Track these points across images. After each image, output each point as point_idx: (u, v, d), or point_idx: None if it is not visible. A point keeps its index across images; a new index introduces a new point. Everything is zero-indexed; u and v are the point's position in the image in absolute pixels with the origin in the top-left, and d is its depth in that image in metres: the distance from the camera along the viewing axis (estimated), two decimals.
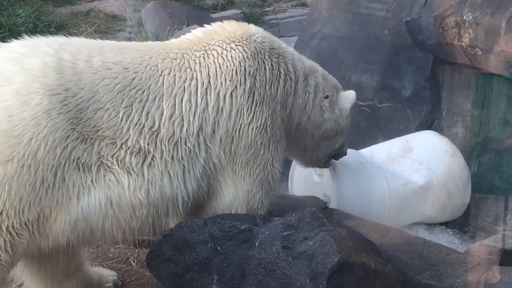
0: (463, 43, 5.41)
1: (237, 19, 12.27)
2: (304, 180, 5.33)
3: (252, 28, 3.79)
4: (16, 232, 3.04)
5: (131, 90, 3.26)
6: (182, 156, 3.36)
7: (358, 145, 5.86)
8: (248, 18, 12.28)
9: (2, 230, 3.01)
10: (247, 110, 3.53)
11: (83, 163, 3.12)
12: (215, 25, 3.77)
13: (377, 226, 4.22)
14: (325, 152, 4.31)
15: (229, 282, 3.29)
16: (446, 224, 5.63)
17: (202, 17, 10.15)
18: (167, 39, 7.55)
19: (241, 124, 3.52)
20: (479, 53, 5.30)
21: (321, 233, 3.16)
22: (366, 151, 5.54)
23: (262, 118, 3.59)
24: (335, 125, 4.14)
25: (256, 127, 3.57)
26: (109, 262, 4.34)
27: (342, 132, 4.28)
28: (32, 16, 10.91)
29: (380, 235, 4.05)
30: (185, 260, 3.40)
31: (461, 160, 5.38)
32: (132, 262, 4.32)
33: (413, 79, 6.13)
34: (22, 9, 11.25)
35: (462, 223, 5.59)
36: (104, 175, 3.18)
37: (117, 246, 4.48)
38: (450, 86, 5.88)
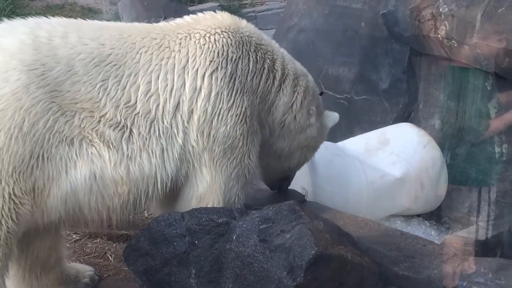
0: (439, 35, 5.43)
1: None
2: None
3: (243, 22, 3.78)
4: (19, 201, 3.12)
5: (107, 65, 3.29)
6: (159, 135, 3.37)
7: (335, 138, 5.87)
8: (226, 11, 12.24)
9: (5, 198, 3.09)
10: (227, 95, 3.51)
11: (66, 136, 3.18)
12: (207, 13, 3.78)
13: (355, 218, 4.24)
14: (291, 166, 4.21)
15: (206, 276, 3.29)
16: (424, 216, 5.68)
17: (179, 10, 10.11)
18: None
19: (220, 109, 3.50)
20: (455, 45, 5.33)
21: (298, 226, 3.17)
22: (343, 144, 5.57)
23: (242, 106, 3.57)
24: (318, 134, 4.09)
25: (236, 115, 3.55)
26: (86, 257, 4.32)
27: (315, 148, 4.26)
28: (7, 10, 10.83)
29: (357, 228, 4.07)
30: (162, 254, 3.38)
31: (436, 152, 5.42)
32: (109, 257, 4.31)
33: (390, 72, 6.16)
34: None
35: (439, 215, 5.64)
36: (86, 149, 3.22)
37: (94, 241, 4.47)
38: (426, 78, 5.91)
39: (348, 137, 5.83)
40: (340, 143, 5.57)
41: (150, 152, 3.35)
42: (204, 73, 3.46)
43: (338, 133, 6.23)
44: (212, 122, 3.49)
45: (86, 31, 3.37)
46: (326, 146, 5.21)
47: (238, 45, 3.60)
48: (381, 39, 6.21)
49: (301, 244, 3.06)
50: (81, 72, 3.22)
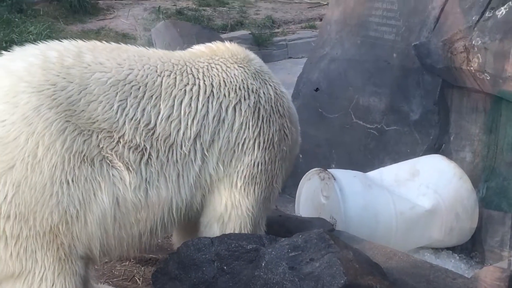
0: (471, 68, 5.41)
1: (246, 40, 12.44)
2: (311, 201, 5.33)
3: (251, 53, 3.86)
4: (55, 233, 3.03)
5: (125, 84, 3.24)
6: (177, 159, 3.34)
7: (365, 168, 5.86)
8: (257, 39, 12.36)
9: (40, 234, 3.01)
10: (253, 125, 3.56)
11: (86, 156, 3.08)
12: (218, 43, 3.82)
13: (384, 249, 4.21)
14: None
15: None
16: (453, 249, 5.61)
17: (212, 37, 10.16)
18: None
19: (245, 139, 3.54)
20: (488, 78, 5.30)
21: (328, 254, 3.15)
22: (373, 174, 5.55)
23: (269, 133, 3.62)
24: None
25: (263, 142, 3.60)
26: (115, 279, 4.33)
27: None
28: (43, 34, 11.02)
29: (386, 258, 4.04)
30: (191, 279, 3.39)
31: (469, 184, 5.37)
32: (138, 280, 4.31)
33: (421, 103, 6.13)
34: (34, 26, 11.39)
35: (469, 248, 5.56)
36: (107, 170, 3.14)
37: (123, 264, 4.48)
38: (458, 110, 5.87)
39: (378, 167, 5.80)
40: (370, 173, 5.55)
41: (167, 176, 3.32)
42: (228, 105, 3.49)
43: (368, 163, 6.22)
44: (234, 151, 3.52)
45: (101, 51, 3.32)
46: (355, 176, 5.22)
47: (255, 76, 3.67)
48: (412, 70, 6.20)
49: (331, 273, 3.04)
50: (97, 91, 3.15)
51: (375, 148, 6.50)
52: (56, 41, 3.36)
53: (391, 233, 5.07)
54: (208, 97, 3.45)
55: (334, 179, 5.04)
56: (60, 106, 3.04)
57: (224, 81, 3.54)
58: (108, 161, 3.15)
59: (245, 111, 3.54)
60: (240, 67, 3.65)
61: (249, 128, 3.54)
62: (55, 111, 3.03)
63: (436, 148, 5.99)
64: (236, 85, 3.55)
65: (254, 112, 3.57)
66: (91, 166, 3.10)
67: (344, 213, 4.91)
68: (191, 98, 3.40)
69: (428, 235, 5.31)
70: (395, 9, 6.37)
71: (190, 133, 3.37)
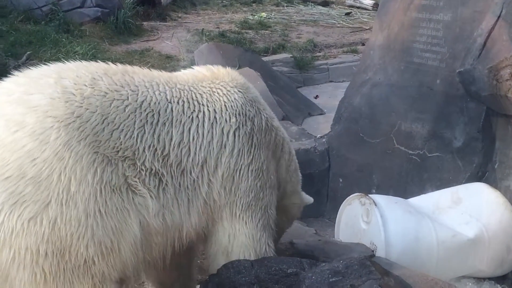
0: None
1: (288, 63, 12.41)
2: (351, 227, 5.30)
3: (247, 81, 3.95)
4: (89, 265, 3.03)
5: (142, 112, 3.28)
6: (187, 185, 3.40)
7: (406, 194, 5.82)
8: (299, 62, 12.39)
9: (74, 268, 3.01)
10: (247, 151, 3.64)
11: (116, 186, 3.11)
12: (217, 67, 3.89)
13: (425, 277, 4.15)
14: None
15: None
16: (496, 279, 5.49)
17: (253, 60, 10.25)
18: None
19: (241, 165, 3.62)
20: None
21: (369, 281, 3.13)
22: (414, 200, 5.49)
23: (259, 161, 3.70)
24: None
25: (255, 170, 3.68)
26: None
27: None
28: (89, 54, 11.24)
29: (428, 287, 3.98)
30: None
31: None
32: None
33: (465, 130, 6.06)
34: (80, 46, 11.63)
35: None
36: (133, 198, 3.17)
37: None
38: (503, 138, 5.77)
39: (420, 194, 5.75)
40: (411, 200, 5.49)
41: (180, 201, 3.36)
42: (229, 130, 3.57)
43: (410, 190, 6.16)
44: (233, 177, 3.59)
45: (114, 76, 3.32)
46: (397, 202, 5.17)
47: (252, 104, 3.77)
48: (456, 97, 6.14)
49: None
50: (117, 120, 3.18)
51: (417, 174, 6.44)
52: (58, 64, 3.34)
53: (432, 261, 5.00)
54: (212, 123, 3.53)
55: (375, 205, 5.00)
56: (87, 138, 3.05)
57: (225, 105, 3.62)
58: (133, 189, 3.18)
59: (242, 137, 3.62)
60: (240, 91, 3.74)
61: (244, 154, 3.62)
62: (84, 143, 3.04)
63: (479, 176, 5.91)
64: (236, 110, 3.64)
65: (249, 139, 3.66)
66: (120, 196, 3.11)
67: (385, 239, 4.86)
68: (197, 124, 3.48)
69: (471, 264, 5.21)
70: (439, 36, 6.33)
71: (198, 159, 3.44)
